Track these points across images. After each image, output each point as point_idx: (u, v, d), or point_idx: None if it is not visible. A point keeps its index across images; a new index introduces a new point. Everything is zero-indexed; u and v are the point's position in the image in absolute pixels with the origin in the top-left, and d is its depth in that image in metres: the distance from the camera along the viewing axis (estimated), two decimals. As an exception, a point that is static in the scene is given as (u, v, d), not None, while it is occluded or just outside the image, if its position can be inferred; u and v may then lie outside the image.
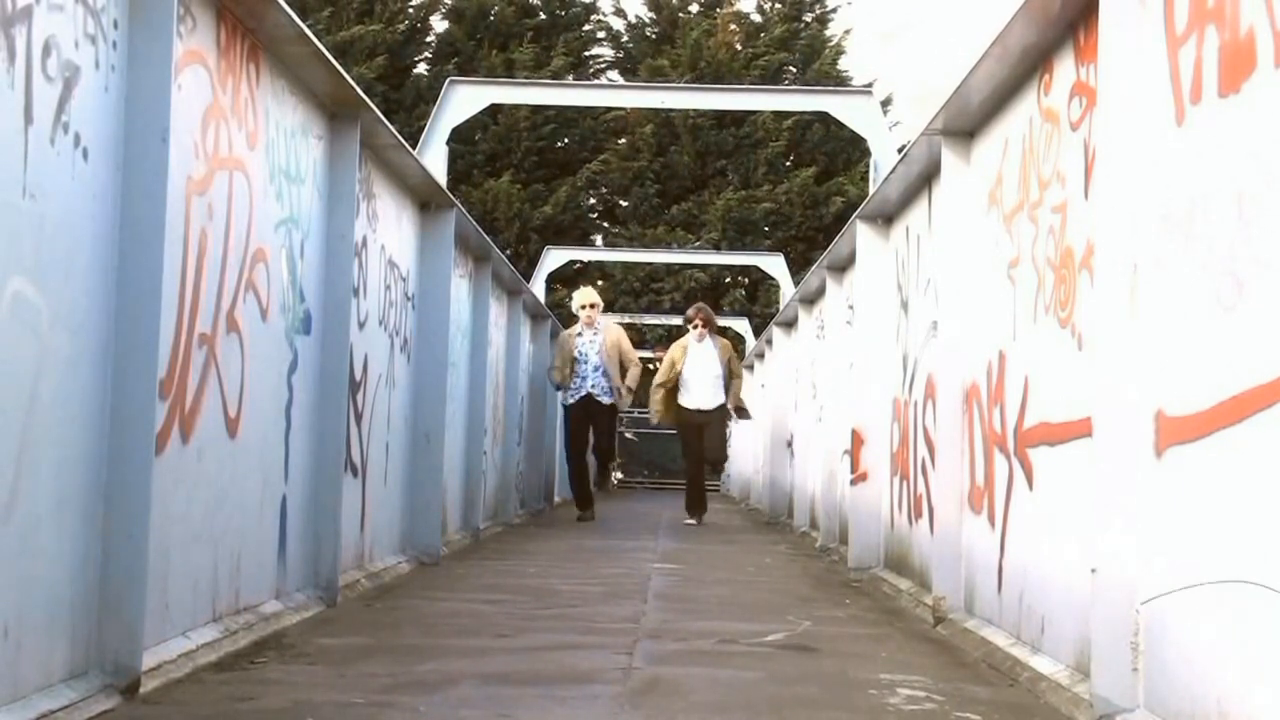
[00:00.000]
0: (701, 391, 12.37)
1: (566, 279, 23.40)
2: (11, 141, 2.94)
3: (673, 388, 12.49)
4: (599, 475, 13.92)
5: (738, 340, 21.33)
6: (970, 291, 5.51)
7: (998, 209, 5.19)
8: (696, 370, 12.40)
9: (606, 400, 12.44)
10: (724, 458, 14.37)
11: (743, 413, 13.15)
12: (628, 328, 28.30)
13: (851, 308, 8.78)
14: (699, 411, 12.34)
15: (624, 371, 12.52)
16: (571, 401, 12.50)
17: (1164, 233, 3.36)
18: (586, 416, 12.46)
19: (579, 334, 12.52)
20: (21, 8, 2.94)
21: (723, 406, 12.47)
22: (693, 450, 12.49)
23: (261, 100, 4.71)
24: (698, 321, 12.53)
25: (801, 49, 28.14)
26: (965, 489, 5.52)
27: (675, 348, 12.74)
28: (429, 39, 27.81)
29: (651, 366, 17.61)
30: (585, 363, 12.40)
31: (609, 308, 31.66)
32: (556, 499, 16.19)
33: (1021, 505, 4.71)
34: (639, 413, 28.67)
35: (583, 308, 12.64)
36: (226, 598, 4.47)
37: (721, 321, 18.18)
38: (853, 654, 4.69)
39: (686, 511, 12.62)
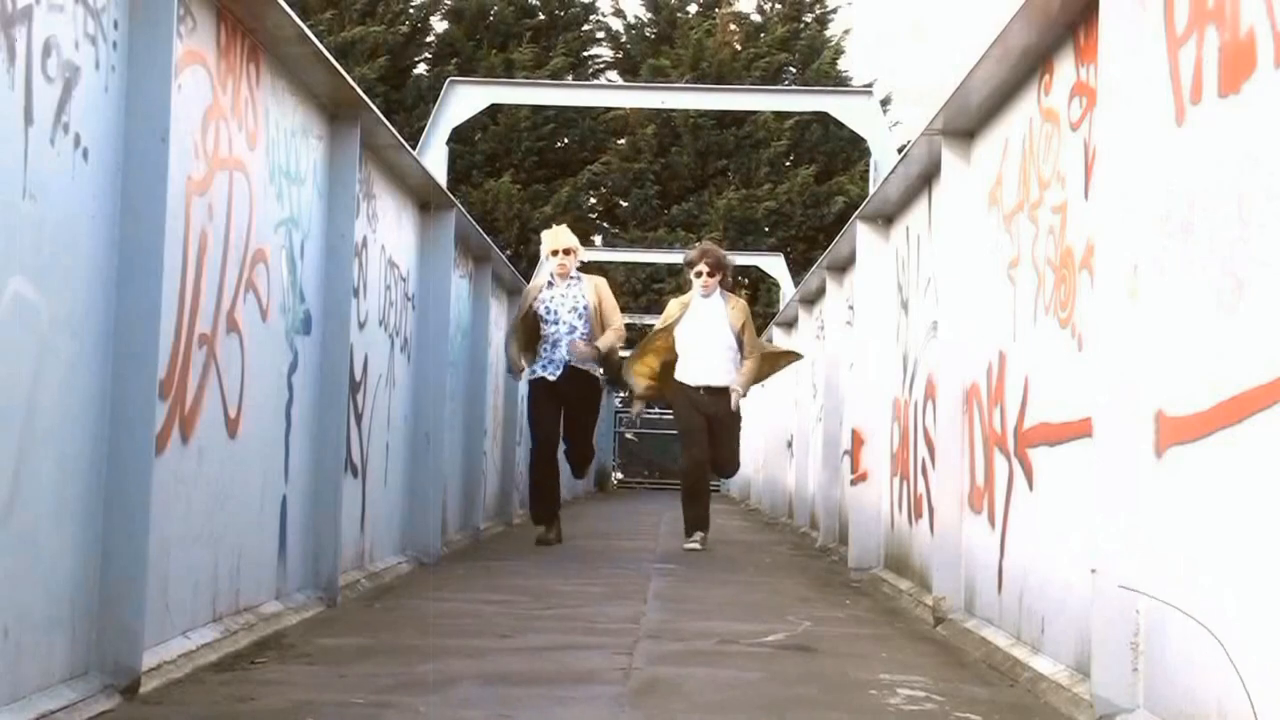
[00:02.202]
0: (707, 364, 9.24)
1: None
2: (11, 142, 2.94)
3: (667, 359, 9.41)
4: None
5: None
6: (970, 291, 5.51)
7: (998, 209, 5.19)
8: (700, 335, 9.24)
9: (589, 371, 9.26)
10: (737, 466, 9.72)
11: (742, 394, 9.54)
12: (625, 328, 28.06)
13: (851, 308, 8.78)
14: (706, 390, 9.21)
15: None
16: (538, 375, 9.21)
17: (1164, 233, 3.36)
18: (558, 395, 9.15)
19: (549, 284, 9.27)
20: (21, 8, 2.94)
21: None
22: (695, 442, 9.18)
23: (262, 100, 4.71)
24: (703, 267, 9.26)
25: (801, 49, 28.16)
26: (965, 489, 5.52)
27: (673, 305, 9.58)
28: (429, 39, 27.83)
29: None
30: (555, 322, 9.12)
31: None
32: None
33: (1021, 505, 4.71)
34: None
35: (554, 254, 9.26)
36: (226, 598, 4.47)
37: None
38: (853, 654, 4.69)
39: (686, 532, 9.34)
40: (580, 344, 9.08)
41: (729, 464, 9.49)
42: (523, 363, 9.27)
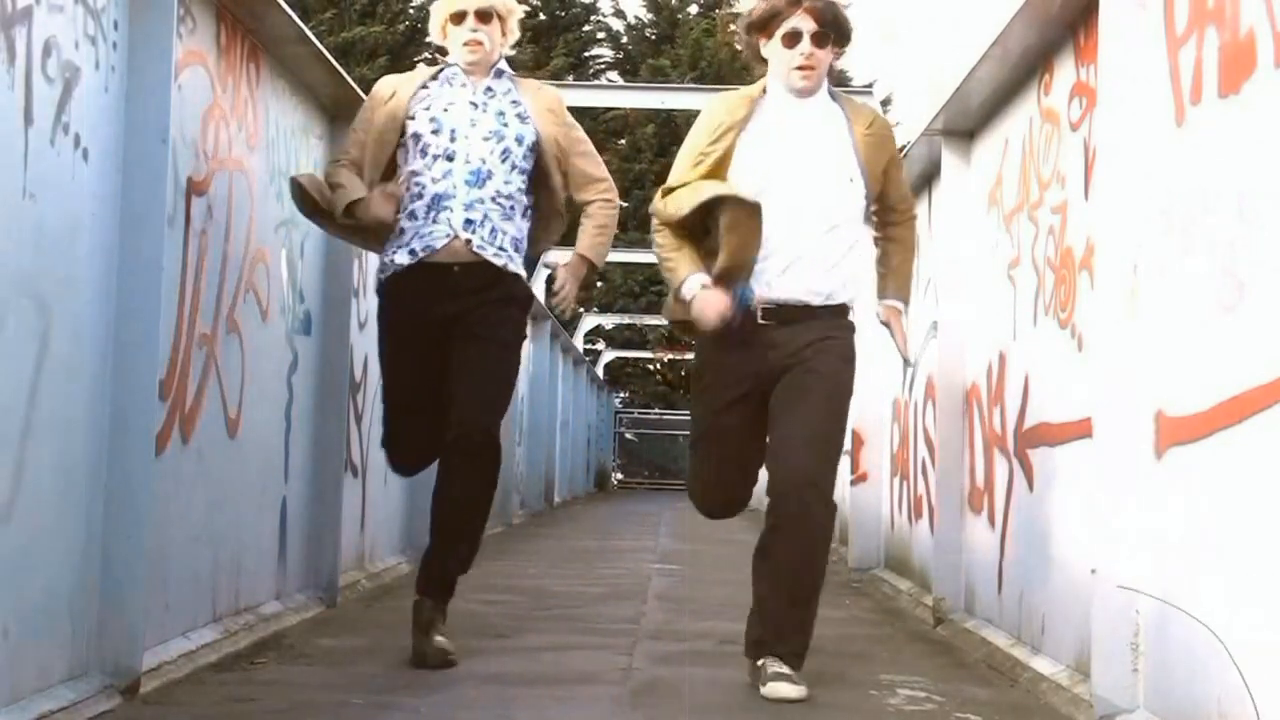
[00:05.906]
0: (795, 249, 4.01)
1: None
2: (11, 142, 2.94)
3: (700, 229, 4.09)
4: (459, 521, 4.66)
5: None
6: (970, 292, 5.51)
7: (998, 209, 5.19)
8: (790, 179, 4.00)
9: (500, 264, 4.21)
10: (823, 489, 3.81)
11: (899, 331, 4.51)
12: (626, 329, 27.67)
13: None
14: (780, 314, 4.03)
15: (567, 205, 4.54)
16: (393, 266, 4.22)
17: (1164, 233, 3.36)
18: (439, 324, 4.19)
19: (438, 78, 4.35)
20: (21, 8, 2.94)
21: (846, 313, 4.26)
22: (714, 465, 4.16)
23: (262, 101, 4.71)
24: (804, 23, 4.03)
25: (802, 49, 28.17)
26: (965, 489, 5.52)
27: (717, 106, 4.38)
28: (429, 39, 27.86)
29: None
30: (448, 156, 4.22)
31: (608, 308, 29.62)
32: (556, 499, 16.18)
33: (1021, 505, 4.71)
34: (639, 412, 28.32)
35: (457, 20, 4.30)
36: (226, 598, 4.47)
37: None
38: (853, 654, 4.68)
39: (753, 653, 3.91)
40: (564, 272, 4.44)
41: (809, 480, 3.85)
42: (385, 205, 4.24)
